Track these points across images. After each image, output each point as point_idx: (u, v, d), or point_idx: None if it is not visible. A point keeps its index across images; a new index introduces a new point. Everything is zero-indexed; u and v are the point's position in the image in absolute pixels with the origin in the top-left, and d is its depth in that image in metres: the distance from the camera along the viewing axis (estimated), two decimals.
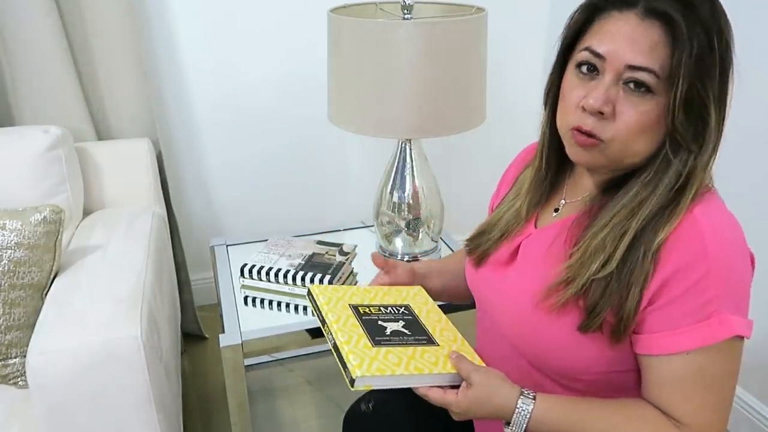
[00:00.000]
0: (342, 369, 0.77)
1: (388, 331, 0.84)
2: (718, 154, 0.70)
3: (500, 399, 0.74)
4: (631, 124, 0.68)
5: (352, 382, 0.75)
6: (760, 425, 1.54)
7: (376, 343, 0.81)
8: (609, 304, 0.70)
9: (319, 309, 0.88)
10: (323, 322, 0.86)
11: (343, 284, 1.25)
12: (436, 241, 1.51)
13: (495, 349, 0.88)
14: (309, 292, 0.93)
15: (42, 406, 1.02)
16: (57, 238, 1.18)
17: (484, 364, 0.80)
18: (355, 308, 0.88)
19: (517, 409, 0.73)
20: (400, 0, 1.29)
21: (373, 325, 0.85)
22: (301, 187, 2.11)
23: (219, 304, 1.45)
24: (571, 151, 0.75)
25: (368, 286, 0.96)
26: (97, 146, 1.58)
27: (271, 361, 1.84)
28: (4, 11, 1.46)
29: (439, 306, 0.95)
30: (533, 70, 2.21)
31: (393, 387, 0.77)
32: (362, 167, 2.14)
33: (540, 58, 2.19)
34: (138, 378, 1.05)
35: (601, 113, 0.69)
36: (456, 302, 1.10)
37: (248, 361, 1.84)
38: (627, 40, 0.67)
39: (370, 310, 0.89)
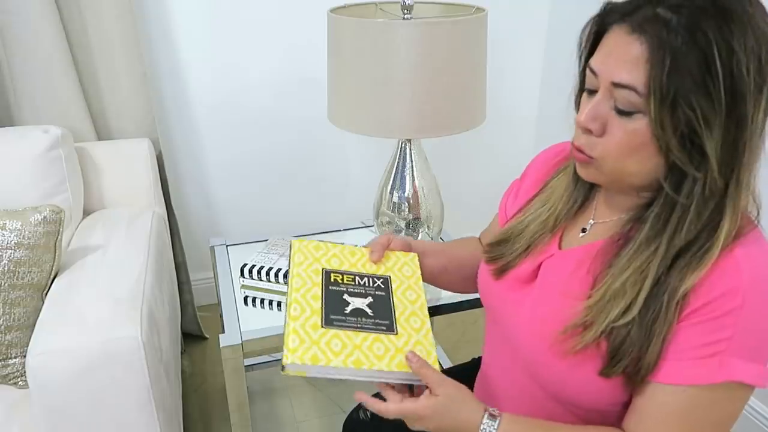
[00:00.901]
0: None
1: (348, 309, 0.80)
2: (751, 187, 0.65)
3: (465, 414, 0.72)
4: (618, 144, 0.65)
5: (283, 367, 0.72)
6: (760, 425, 1.54)
7: (328, 323, 0.77)
8: (630, 353, 0.66)
9: (289, 268, 0.84)
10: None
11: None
12: (433, 238, 1.51)
13: (501, 360, 0.86)
14: (290, 246, 0.88)
15: (42, 406, 1.02)
16: (57, 238, 1.18)
17: (437, 366, 0.76)
18: (326, 274, 0.84)
19: (481, 428, 0.70)
20: (400, 0, 1.29)
21: (335, 299, 0.81)
22: (301, 187, 2.11)
23: (219, 304, 1.45)
24: (577, 167, 0.73)
25: (359, 247, 0.90)
26: (97, 146, 1.58)
27: (271, 361, 1.84)
28: (4, 11, 1.46)
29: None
30: (533, 70, 2.21)
31: (328, 377, 0.74)
32: (362, 167, 2.14)
33: (540, 58, 2.19)
34: (138, 378, 1.05)
35: (590, 130, 0.67)
36: (447, 290, 1.05)
37: (248, 361, 1.84)
38: (614, 55, 0.64)
39: (341, 279, 0.84)
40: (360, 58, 1.23)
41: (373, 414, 1.00)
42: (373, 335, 0.77)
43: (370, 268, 0.87)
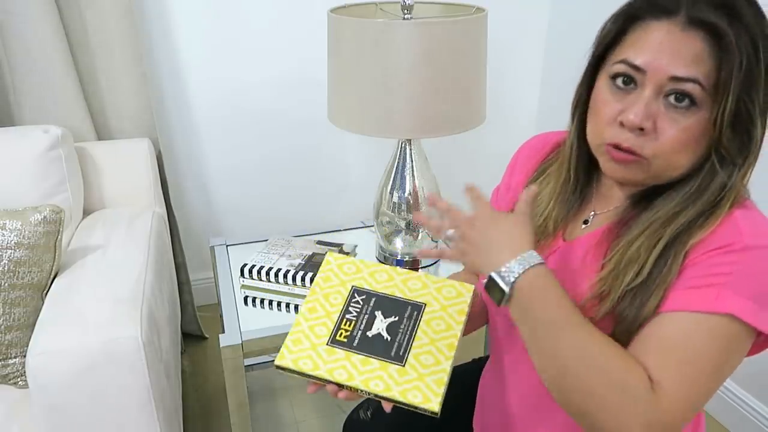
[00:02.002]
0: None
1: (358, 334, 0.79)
2: (755, 165, 0.69)
3: (519, 231, 0.70)
4: (673, 141, 0.65)
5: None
6: (760, 425, 1.54)
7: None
8: (637, 309, 0.68)
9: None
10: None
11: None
12: (436, 242, 1.51)
13: (510, 355, 0.85)
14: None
15: (42, 406, 1.02)
16: (57, 238, 1.18)
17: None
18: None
19: (526, 254, 0.68)
20: (400, 0, 1.29)
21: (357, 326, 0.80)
22: (301, 187, 2.11)
23: (219, 304, 1.45)
24: (607, 166, 0.71)
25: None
26: (97, 146, 1.58)
27: (271, 361, 1.84)
28: (4, 11, 1.46)
29: None
30: (533, 70, 2.21)
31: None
32: (362, 167, 2.14)
33: (539, 58, 2.19)
34: (138, 378, 1.05)
35: (642, 129, 0.66)
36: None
37: (248, 361, 1.84)
38: (669, 51, 0.63)
39: (347, 329, 0.81)
40: (360, 58, 1.23)
41: (372, 414, 1.01)
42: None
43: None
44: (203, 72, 1.85)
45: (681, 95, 0.64)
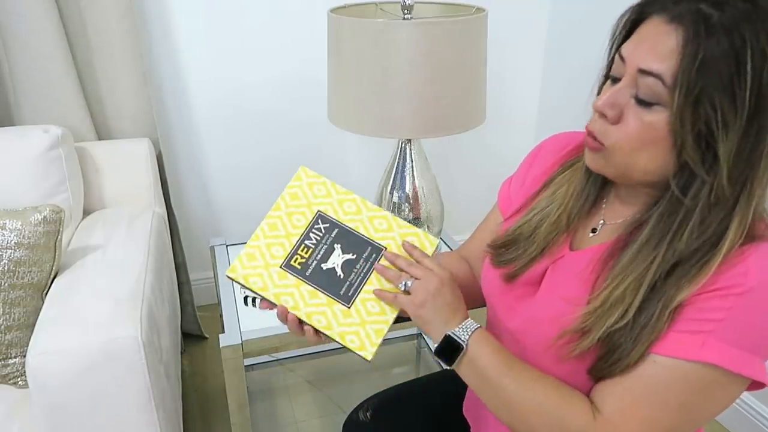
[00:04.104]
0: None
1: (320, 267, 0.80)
2: (758, 199, 0.62)
3: (455, 303, 0.76)
4: (631, 134, 0.64)
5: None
6: (760, 425, 1.54)
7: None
8: (617, 354, 0.66)
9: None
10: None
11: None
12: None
13: None
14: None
15: (42, 406, 1.02)
16: (57, 238, 1.18)
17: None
18: (288, 264, 0.82)
19: (464, 323, 0.75)
20: (400, 0, 1.29)
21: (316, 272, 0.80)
22: None
23: (219, 304, 1.45)
24: (585, 154, 0.72)
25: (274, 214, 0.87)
26: (97, 146, 1.58)
27: (271, 361, 1.84)
28: (4, 11, 1.46)
29: None
30: (533, 70, 2.21)
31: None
32: (362, 167, 2.14)
33: (539, 58, 2.19)
34: (138, 378, 1.05)
35: (605, 116, 0.65)
36: None
37: (248, 361, 1.84)
38: (647, 44, 0.62)
39: (303, 256, 0.81)
40: (360, 58, 1.23)
41: (372, 415, 1.01)
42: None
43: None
44: (203, 72, 1.85)
45: (645, 89, 0.62)
